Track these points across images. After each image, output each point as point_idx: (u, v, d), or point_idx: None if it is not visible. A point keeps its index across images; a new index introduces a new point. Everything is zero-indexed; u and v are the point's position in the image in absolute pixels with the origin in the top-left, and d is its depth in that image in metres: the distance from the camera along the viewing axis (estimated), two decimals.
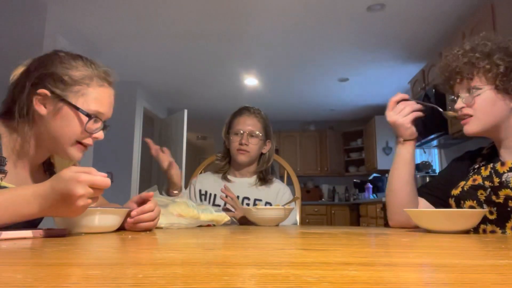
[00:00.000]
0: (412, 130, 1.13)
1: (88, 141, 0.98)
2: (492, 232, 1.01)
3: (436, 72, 1.17)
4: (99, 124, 0.98)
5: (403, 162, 1.14)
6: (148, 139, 1.46)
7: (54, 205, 0.72)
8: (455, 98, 1.08)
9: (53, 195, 0.72)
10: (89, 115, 0.94)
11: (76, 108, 0.93)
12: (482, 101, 1.02)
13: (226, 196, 1.53)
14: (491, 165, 1.04)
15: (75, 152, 0.98)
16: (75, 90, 0.93)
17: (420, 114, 1.12)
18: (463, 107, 1.05)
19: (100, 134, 1.00)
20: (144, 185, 5.31)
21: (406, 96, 1.13)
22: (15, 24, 3.06)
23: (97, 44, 3.93)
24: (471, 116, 1.04)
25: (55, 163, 1.09)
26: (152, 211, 0.97)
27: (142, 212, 0.96)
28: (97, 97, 0.96)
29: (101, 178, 0.74)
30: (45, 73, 0.92)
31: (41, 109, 0.92)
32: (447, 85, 1.12)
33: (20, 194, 0.73)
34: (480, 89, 1.02)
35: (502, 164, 1.01)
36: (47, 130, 0.94)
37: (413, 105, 1.11)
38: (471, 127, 1.05)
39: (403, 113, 1.11)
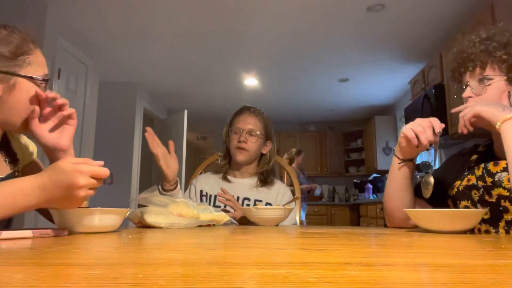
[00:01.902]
0: (399, 141, 1.06)
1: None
2: (487, 231, 1.01)
3: (448, 58, 1.14)
4: (45, 84, 0.99)
5: (390, 170, 1.13)
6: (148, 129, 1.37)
7: (54, 197, 0.73)
8: (464, 87, 1.06)
9: (52, 186, 0.72)
10: (45, 80, 0.96)
11: (31, 78, 0.94)
12: (493, 90, 1.00)
13: (227, 200, 1.53)
14: (483, 165, 1.03)
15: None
16: (19, 61, 0.93)
17: (415, 142, 0.99)
18: (470, 97, 1.04)
19: (50, 93, 1.01)
20: (144, 185, 5.31)
21: (437, 126, 1.00)
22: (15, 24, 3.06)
23: (97, 44, 3.93)
24: None
25: (15, 150, 1.07)
26: None
27: None
28: (39, 61, 0.98)
29: (102, 168, 0.75)
30: None
31: None
32: (457, 73, 1.09)
33: (17, 186, 0.73)
34: (492, 79, 1.00)
35: (496, 164, 1.00)
36: (6, 108, 0.93)
37: (426, 133, 0.99)
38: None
39: (410, 125, 1.02)
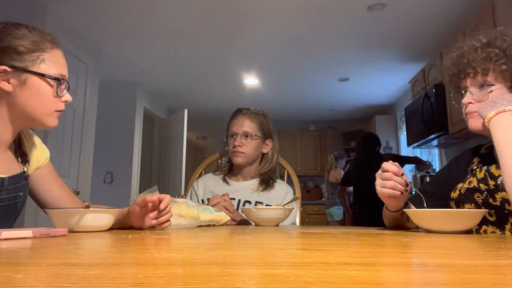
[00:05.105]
0: (388, 202, 1.05)
1: (61, 106, 0.99)
2: (493, 233, 1.01)
3: (446, 64, 1.09)
4: (64, 86, 0.98)
5: (387, 215, 1.14)
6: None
7: None
8: (463, 92, 1.05)
9: None
10: (57, 79, 0.95)
11: (42, 75, 0.93)
12: (494, 98, 0.99)
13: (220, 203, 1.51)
14: (485, 167, 1.03)
15: (53, 120, 0.98)
16: (33, 58, 0.92)
17: (396, 193, 0.98)
18: (470, 102, 1.03)
19: (68, 96, 1.00)
20: (144, 185, 5.31)
21: (395, 170, 0.99)
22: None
23: (97, 44, 3.93)
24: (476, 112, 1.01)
25: (27, 151, 1.07)
26: (168, 211, 1.02)
27: (160, 216, 1.01)
28: (55, 60, 0.97)
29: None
30: None
31: (6, 86, 0.90)
32: (456, 78, 1.07)
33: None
34: (494, 85, 0.99)
35: (498, 167, 1.00)
36: (18, 105, 0.93)
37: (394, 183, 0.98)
38: (478, 123, 1.01)
39: (378, 186, 1.01)
